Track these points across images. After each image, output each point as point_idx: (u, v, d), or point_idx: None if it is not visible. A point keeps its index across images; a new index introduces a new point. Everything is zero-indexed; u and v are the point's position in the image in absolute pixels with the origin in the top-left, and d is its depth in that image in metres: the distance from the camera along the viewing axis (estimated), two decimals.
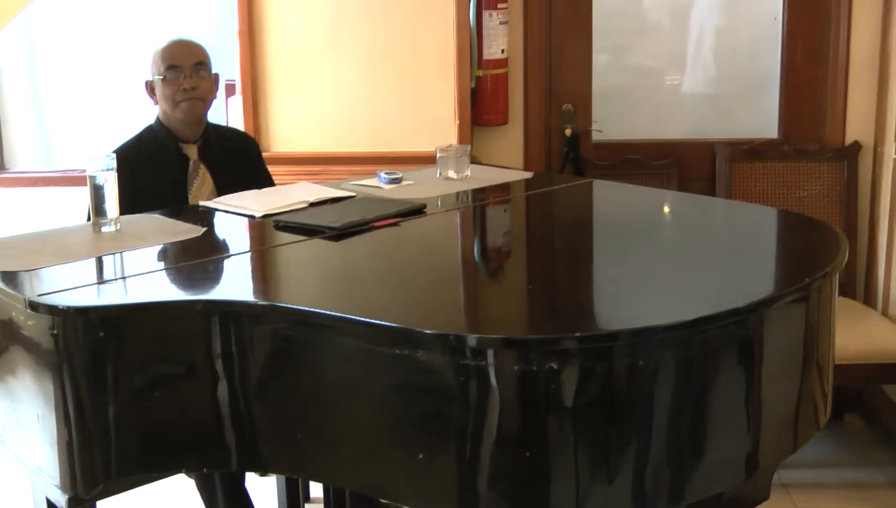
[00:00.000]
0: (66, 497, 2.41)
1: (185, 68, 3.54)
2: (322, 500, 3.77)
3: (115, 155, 3.04)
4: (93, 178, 2.93)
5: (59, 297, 2.41)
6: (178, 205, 3.42)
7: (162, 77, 3.54)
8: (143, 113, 3.95)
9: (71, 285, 2.51)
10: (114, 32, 5.06)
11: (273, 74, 4.62)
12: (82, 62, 5.12)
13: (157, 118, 3.65)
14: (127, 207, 3.22)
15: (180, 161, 3.60)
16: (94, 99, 5.15)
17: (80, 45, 5.10)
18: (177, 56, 3.56)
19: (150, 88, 3.62)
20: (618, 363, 2.15)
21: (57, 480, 2.42)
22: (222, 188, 3.54)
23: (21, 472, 2.63)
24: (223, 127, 3.94)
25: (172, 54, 3.56)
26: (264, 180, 3.77)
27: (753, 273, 2.68)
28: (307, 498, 4.01)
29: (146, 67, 3.62)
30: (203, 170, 3.61)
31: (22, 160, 5.13)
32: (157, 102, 3.63)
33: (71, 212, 4.04)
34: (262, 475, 4.09)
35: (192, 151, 3.61)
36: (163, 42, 3.60)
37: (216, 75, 3.67)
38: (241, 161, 3.77)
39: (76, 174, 4.58)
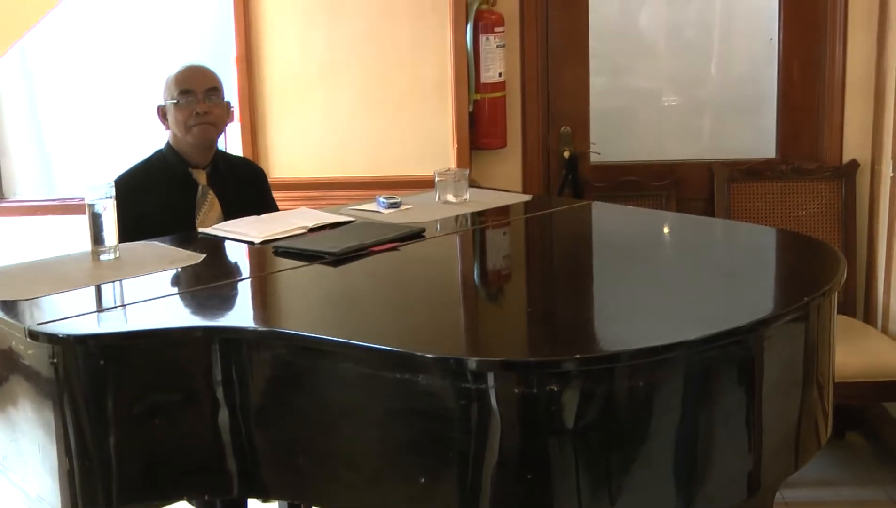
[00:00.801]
0: None
1: (198, 93, 3.53)
2: None
3: (120, 179, 3.04)
4: (91, 206, 2.92)
5: (58, 326, 2.41)
6: (185, 230, 3.42)
7: (175, 102, 3.54)
8: (143, 140, 3.95)
9: (70, 313, 2.51)
10: (113, 60, 5.06)
11: (271, 99, 4.64)
12: (81, 91, 5.13)
13: (168, 143, 3.64)
14: (135, 230, 3.23)
15: (189, 186, 3.59)
16: (94, 127, 5.15)
17: (80, 73, 5.11)
18: (190, 81, 3.56)
19: (162, 113, 3.61)
20: (618, 384, 2.14)
21: None
22: (230, 214, 3.54)
23: (22, 501, 2.62)
24: (232, 155, 3.94)
25: (186, 79, 3.56)
26: (270, 208, 3.76)
27: (753, 293, 2.68)
28: None
29: (150, 94, 3.63)
30: (212, 196, 3.60)
31: (22, 189, 5.14)
32: (168, 127, 3.62)
33: (71, 241, 4.03)
34: (263, 501, 4.07)
35: (201, 177, 3.61)
36: (176, 68, 3.60)
37: (228, 103, 3.67)
38: (249, 189, 3.77)
39: (75, 203, 4.58)
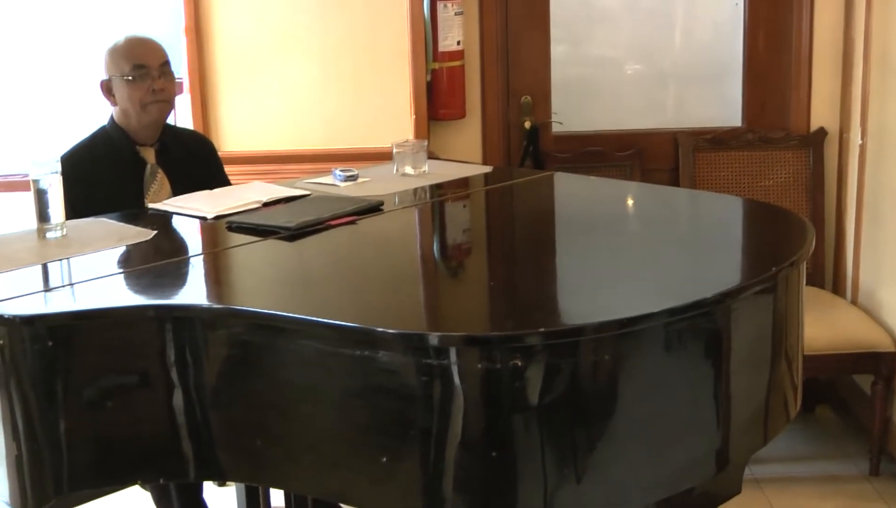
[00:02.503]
0: None
1: (152, 69, 3.43)
2: None
3: (62, 159, 2.97)
4: (36, 182, 2.87)
5: (4, 306, 2.36)
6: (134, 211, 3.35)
7: (128, 78, 3.43)
8: (84, 115, 3.87)
9: (16, 293, 2.47)
10: (54, 33, 4.99)
11: (222, 71, 4.61)
12: (19, 64, 5.05)
13: (112, 120, 3.53)
14: (81, 212, 3.16)
15: (136, 165, 3.51)
16: (33, 103, 5.08)
17: (17, 46, 5.03)
18: (143, 56, 3.45)
19: (107, 88, 3.49)
20: (583, 358, 2.13)
21: (6, 496, 2.38)
22: (180, 193, 3.46)
23: None
24: (178, 128, 3.85)
25: (138, 54, 3.45)
26: (222, 184, 3.69)
27: (719, 264, 2.69)
28: None
29: (91, 67, 3.53)
30: (161, 175, 3.53)
31: None
32: (114, 104, 3.51)
33: (12, 219, 3.96)
34: (220, 484, 4.04)
35: (149, 155, 3.52)
36: (120, 40, 3.49)
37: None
38: (199, 164, 3.70)
39: (18, 179, 4.51)
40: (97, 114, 3.63)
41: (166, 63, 3.49)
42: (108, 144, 3.51)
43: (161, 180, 3.51)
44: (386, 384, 2.15)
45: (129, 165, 3.50)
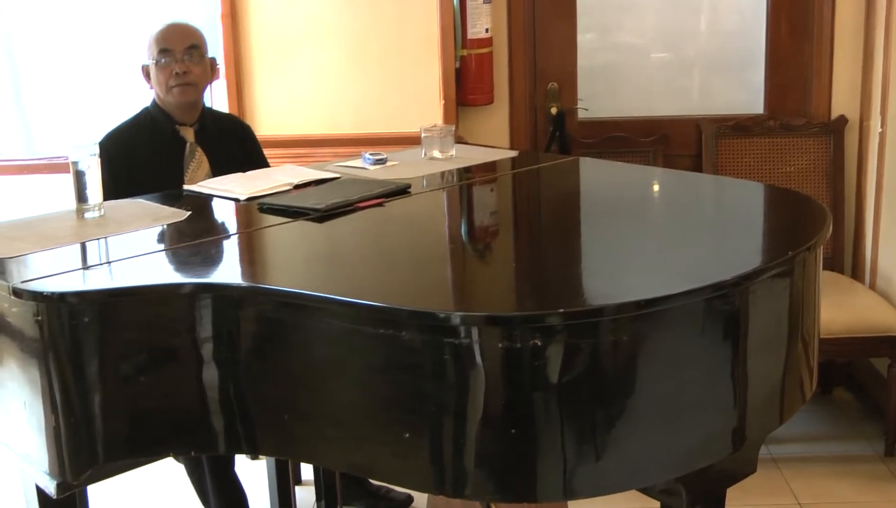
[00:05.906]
0: (55, 483, 2.41)
1: (176, 53, 3.53)
2: (313, 483, 3.78)
3: (107, 137, 3.01)
4: (75, 163, 2.90)
5: (43, 283, 2.39)
6: (174, 187, 3.40)
7: (155, 62, 3.54)
8: (125, 98, 3.92)
9: (55, 270, 2.50)
10: (95, 18, 5.03)
11: (256, 56, 4.63)
12: (62, 49, 5.09)
13: (154, 101, 3.65)
14: (123, 188, 3.21)
15: (177, 144, 3.61)
16: (75, 86, 5.12)
17: (60, 32, 5.07)
18: (169, 40, 3.55)
19: (146, 72, 3.63)
20: (603, 338, 2.14)
21: (45, 466, 2.41)
22: (218, 172, 3.54)
23: (9, 458, 2.62)
24: (219, 112, 3.94)
25: (165, 38, 3.56)
26: (260, 164, 3.77)
27: (738, 247, 2.67)
28: (298, 481, 4.02)
29: (132, 52, 3.62)
30: (200, 153, 3.61)
31: (1, 148, 5.11)
32: (152, 87, 3.63)
33: (54, 200, 4.01)
34: (252, 457, 4.10)
35: (188, 134, 3.62)
36: (158, 26, 3.60)
37: (213, 60, 3.66)
38: (237, 146, 3.77)
39: (59, 162, 4.57)
40: (137, 98, 3.70)
41: (193, 46, 3.57)
42: (151, 123, 3.61)
43: (200, 158, 3.59)
44: (409, 362, 2.16)
45: (169, 143, 3.60)
